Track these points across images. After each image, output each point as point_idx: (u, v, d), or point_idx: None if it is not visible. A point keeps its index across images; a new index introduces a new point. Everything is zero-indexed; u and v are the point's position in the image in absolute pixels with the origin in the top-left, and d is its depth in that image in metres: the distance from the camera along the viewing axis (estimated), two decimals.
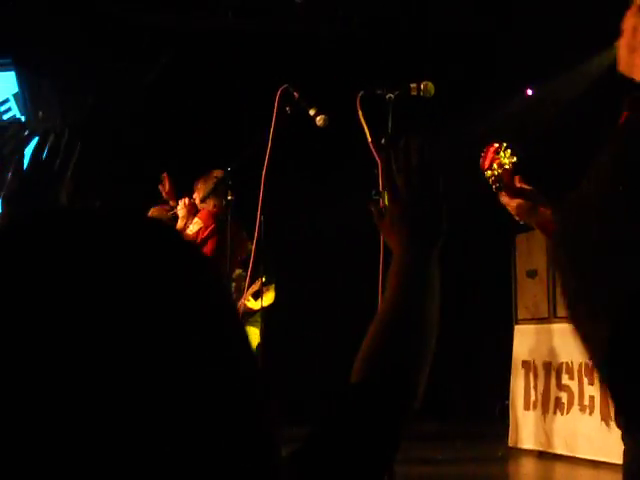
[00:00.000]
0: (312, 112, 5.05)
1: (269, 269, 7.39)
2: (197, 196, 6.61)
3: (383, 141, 4.10)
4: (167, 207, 6.88)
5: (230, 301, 0.88)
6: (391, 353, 1.33)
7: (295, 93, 5.13)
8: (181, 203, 6.66)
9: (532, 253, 8.90)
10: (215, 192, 6.16)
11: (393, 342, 1.34)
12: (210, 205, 6.53)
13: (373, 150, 4.13)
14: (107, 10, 8.95)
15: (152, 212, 6.76)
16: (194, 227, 6.49)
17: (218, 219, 6.41)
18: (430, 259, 1.44)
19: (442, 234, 1.47)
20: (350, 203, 5.68)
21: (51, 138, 1.89)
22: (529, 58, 7.98)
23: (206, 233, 6.45)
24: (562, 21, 7.52)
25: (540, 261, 8.71)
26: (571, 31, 7.31)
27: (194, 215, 6.58)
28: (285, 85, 5.16)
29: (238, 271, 7.61)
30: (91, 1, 8.97)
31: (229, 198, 5.67)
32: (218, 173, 6.17)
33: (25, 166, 1.88)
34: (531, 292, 8.96)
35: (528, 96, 9.26)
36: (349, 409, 1.25)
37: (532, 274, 8.91)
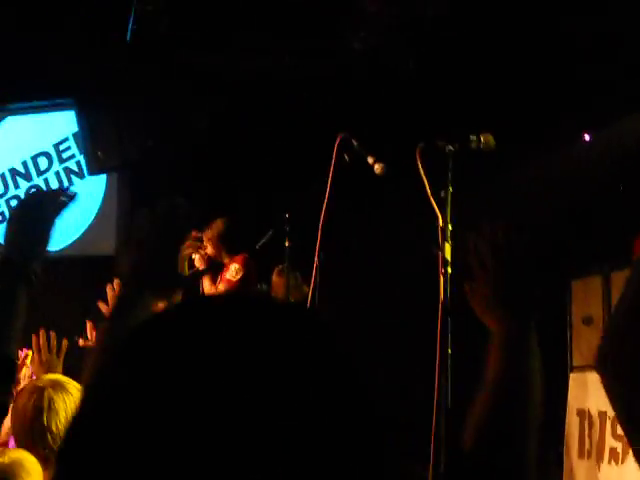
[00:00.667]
0: (370, 160, 5.08)
1: (324, 312, 7.42)
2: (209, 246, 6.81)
3: (443, 194, 4.11)
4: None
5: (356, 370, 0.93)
6: (505, 424, 1.38)
7: (354, 141, 5.17)
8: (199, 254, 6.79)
9: (588, 299, 8.81)
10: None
11: (506, 413, 1.39)
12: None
13: (432, 202, 4.14)
14: (170, 53, 9.06)
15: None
16: (235, 273, 6.65)
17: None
18: (528, 331, 1.50)
19: (536, 307, 1.52)
20: (407, 252, 5.69)
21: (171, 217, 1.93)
22: (589, 103, 7.95)
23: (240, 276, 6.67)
24: (623, 65, 7.49)
25: (596, 308, 8.62)
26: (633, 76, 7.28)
27: (208, 263, 6.76)
28: (344, 133, 5.19)
29: None
30: (151, 44, 9.09)
31: (287, 244, 5.71)
32: (220, 222, 6.37)
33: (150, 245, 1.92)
34: (587, 339, 8.85)
35: (586, 142, 9.19)
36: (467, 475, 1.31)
37: (588, 321, 8.82)
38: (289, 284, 5.86)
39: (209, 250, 7.08)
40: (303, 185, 5.40)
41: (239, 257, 7.03)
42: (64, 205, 2.14)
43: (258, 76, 8.95)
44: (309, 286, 5.62)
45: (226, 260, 7.17)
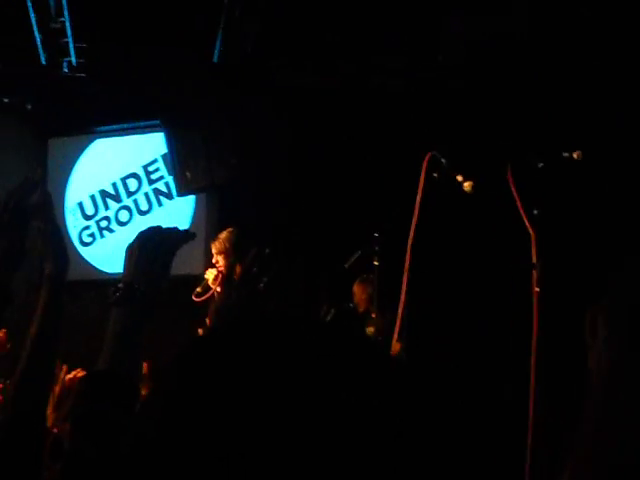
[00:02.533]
0: (460, 178, 5.03)
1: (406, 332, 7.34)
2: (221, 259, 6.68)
3: (536, 212, 4.04)
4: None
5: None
6: None
7: (443, 159, 5.12)
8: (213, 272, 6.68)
9: None
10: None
11: None
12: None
13: (525, 220, 4.08)
14: (257, 72, 9.13)
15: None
16: None
17: None
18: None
19: None
20: (499, 270, 5.61)
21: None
22: None
23: None
24: None
25: None
26: None
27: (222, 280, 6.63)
28: (433, 151, 5.15)
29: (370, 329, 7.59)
30: (238, 64, 9.16)
31: (375, 263, 5.68)
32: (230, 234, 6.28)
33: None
34: None
35: None
36: None
37: None
38: (373, 293, 5.80)
39: (222, 265, 6.83)
40: (392, 204, 5.36)
41: None
42: (183, 240, 2.21)
43: (346, 94, 8.96)
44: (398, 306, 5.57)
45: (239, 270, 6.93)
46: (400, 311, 5.41)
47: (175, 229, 2.38)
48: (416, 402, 0.88)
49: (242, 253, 6.34)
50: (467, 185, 4.94)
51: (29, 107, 10.45)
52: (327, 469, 0.79)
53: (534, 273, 3.87)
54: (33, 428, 2.03)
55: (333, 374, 0.84)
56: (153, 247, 2.13)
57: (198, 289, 6.73)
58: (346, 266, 6.36)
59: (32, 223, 2.24)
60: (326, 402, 0.81)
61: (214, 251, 6.72)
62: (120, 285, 1.97)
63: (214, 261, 6.75)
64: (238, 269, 6.60)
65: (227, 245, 6.70)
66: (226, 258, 6.72)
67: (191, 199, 10.30)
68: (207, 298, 6.65)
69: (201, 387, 0.83)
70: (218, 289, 6.59)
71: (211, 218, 10.19)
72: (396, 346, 7.08)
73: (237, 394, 0.81)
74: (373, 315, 6.25)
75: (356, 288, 7.21)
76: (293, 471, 0.78)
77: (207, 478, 0.79)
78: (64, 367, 4.15)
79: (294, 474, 0.79)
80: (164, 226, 2.34)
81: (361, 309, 7.27)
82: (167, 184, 10.47)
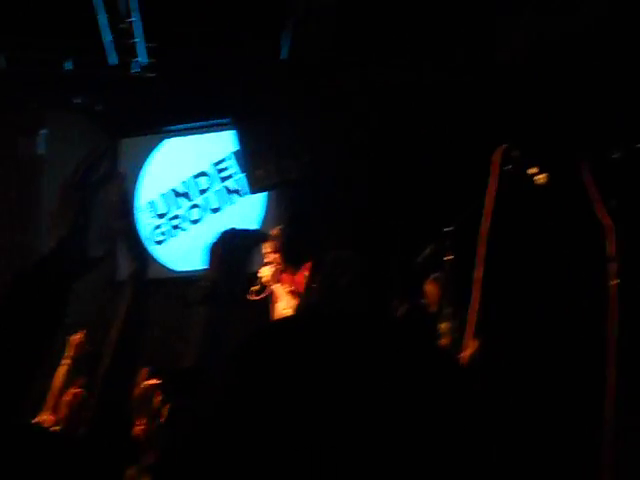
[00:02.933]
0: (533, 171, 4.95)
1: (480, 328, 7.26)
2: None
3: (612, 203, 3.95)
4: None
5: None
6: None
7: (516, 152, 5.04)
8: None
9: None
10: None
11: None
12: None
13: (599, 214, 3.99)
14: (326, 69, 9.11)
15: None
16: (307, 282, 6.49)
17: None
18: None
19: None
20: (574, 264, 5.51)
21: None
22: None
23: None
24: None
25: None
26: None
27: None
28: (506, 144, 5.08)
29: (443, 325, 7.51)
30: (307, 61, 9.16)
31: (447, 258, 5.62)
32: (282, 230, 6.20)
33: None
34: None
35: None
36: None
37: None
38: (445, 290, 5.74)
39: (278, 263, 6.69)
40: (464, 198, 5.29)
41: (306, 265, 6.66)
42: (260, 240, 2.22)
43: (417, 89, 8.89)
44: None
45: (289, 270, 6.78)
46: (474, 307, 5.34)
47: (250, 230, 2.37)
48: (478, 409, 0.87)
49: (296, 250, 6.29)
50: (541, 177, 4.87)
51: (100, 108, 10.56)
52: (391, 462, 0.78)
53: (611, 266, 3.79)
54: (116, 428, 2.02)
55: (399, 372, 0.83)
56: (235, 246, 2.13)
57: (255, 287, 6.70)
58: (418, 261, 6.28)
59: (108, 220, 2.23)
60: (391, 399, 0.81)
61: (269, 249, 6.65)
62: (205, 284, 1.97)
63: (269, 259, 6.68)
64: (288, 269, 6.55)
65: (279, 243, 6.64)
66: (282, 255, 6.66)
67: (262, 196, 10.32)
68: (264, 296, 6.63)
69: (264, 375, 0.83)
70: (275, 287, 6.57)
71: (282, 215, 10.20)
72: (472, 343, 7.00)
73: (301, 382, 0.82)
74: (445, 312, 6.18)
75: (428, 287, 7.15)
76: (355, 459, 0.78)
77: (273, 459, 0.78)
78: (143, 370, 4.15)
79: (357, 463, 0.78)
80: (236, 225, 2.33)
81: (433, 309, 7.21)
82: (238, 182, 10.52)
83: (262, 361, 0.85)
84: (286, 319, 0.87)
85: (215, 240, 2.06)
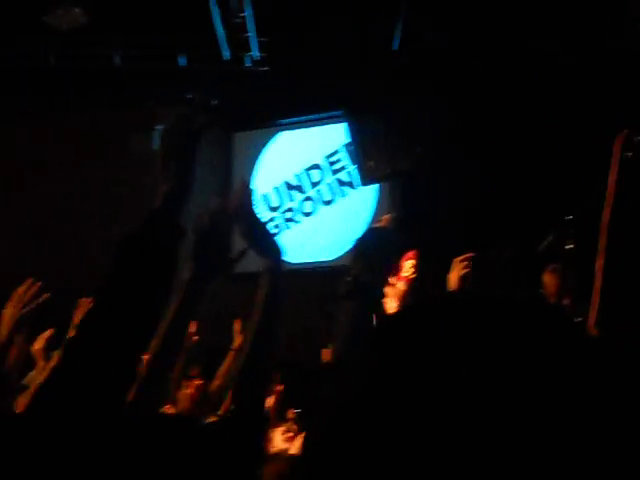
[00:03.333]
0: None
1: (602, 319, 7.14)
2: None
3: None
4: None
5: None
6: None
7: (637, 138, 4.90)
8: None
9: None
10: None
11: None
12: None
13: None
14: (437, 60, 9.04)
15: None
16: (412, 270, 6.28)
17: None
18: None
19: None
20: None
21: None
22: None
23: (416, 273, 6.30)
24: None
25: None
26: None
27: None
28: (627, 129, 4.94)
29: None
30: (418, 52, 9.10)
31: (568, 247, 5.50)
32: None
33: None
34: None
35: None
36: None
37: None
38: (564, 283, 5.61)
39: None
40: (585, 185, 5.18)
41: (411, 253, 6.48)
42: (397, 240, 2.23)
43: (530, 76, 8.76)
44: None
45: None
46: (595, 297, 5.21)
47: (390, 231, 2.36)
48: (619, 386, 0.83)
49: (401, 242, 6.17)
50: None
51: (214, 102, 10.67)
52: (520, 452, 0.76)
53: None
54: (254, 426, 2.01)
55: (535, 353, 0.80)
56: (377, 245, 2.13)
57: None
58: (539, 250, 6.17)
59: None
60: (526, 382, 0.78)
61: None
62: (349, 279, 1.96)
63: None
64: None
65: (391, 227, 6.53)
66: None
67: (374, 188, 10.30)
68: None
69: (409, 359, 0.81)
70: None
71: (395, 206, 10.17)
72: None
73: (438, 367, 0.80)
74: (565, 303, 6.06)
75: (547, 278, 7.03)
76: (485, 448, 0.76)
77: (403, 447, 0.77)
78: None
79: (487, 451, 0.76)
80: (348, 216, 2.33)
81: (552, 300, 7.09)
82: (350, 174, 10.52)
83: (406, 345, 0.82)
84: (428, 302, 0.84)
85: (359, 239, 2.04)
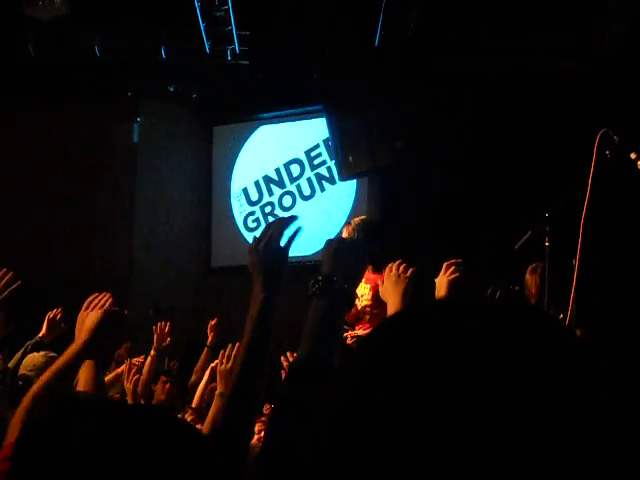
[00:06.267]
0: (633, 156, 4.85)
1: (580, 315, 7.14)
2: None
3: None
4: None
5: None
6: None
7: (615, 136, 4.94)
8: None
9: None
10: None
11: None
12: None
13: None
14: (417, 55, 9.06)
15: None
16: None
17: None
18: None
19: None
20: None
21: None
22: None
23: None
24: None
25: None
26: None
27: None
28: (605, 128, 4.98)
29: None
30: (399, 48, 9.11)
31: (546, 244, 5.53)
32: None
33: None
34: None
35: None
36: None
37: None
38: (543, 283, 5.62)
39: None
40: (563, 183, 5.21)
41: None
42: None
43: (513, 74, 8.79)
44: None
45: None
46: (572, 295, 5.25)
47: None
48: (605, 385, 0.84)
49: (374, 242, 6.09)
50: None
51: (194, 96, 10.66)
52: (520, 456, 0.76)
53: None
54: (241, 442, 2.03)
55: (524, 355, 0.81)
56: (350, 245, 2.15)
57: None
58: (516, 247, 6.18)
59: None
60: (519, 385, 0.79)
61: (345, 235, 6.51)
62: (319, 277, 1.98)
63: None
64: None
65: (358, 231, 6.50)
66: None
67: (353, 183, 10.32)
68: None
69: (398, 364, 0.81)
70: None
71: (373, 202, 10.19)
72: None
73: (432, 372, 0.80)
74: (543, 300, 6.08)
75: (527, 277, 7.07)
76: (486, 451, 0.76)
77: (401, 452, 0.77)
78: None
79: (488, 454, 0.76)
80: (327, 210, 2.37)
81: (533, 300, 7.13)
82: (329, 169, 10.54)
83: (395, 351, 0.83)
84: (414, 308, 0.85)
85: (333, 239, 2.06)
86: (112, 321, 2.72)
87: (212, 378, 5.57)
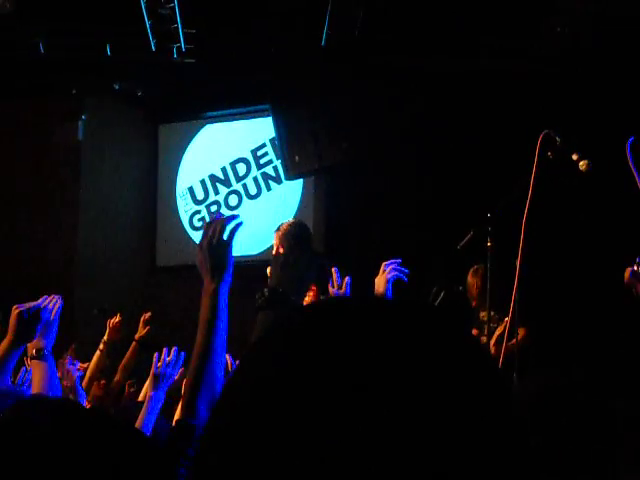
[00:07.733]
0: (575, 157, 4.91)
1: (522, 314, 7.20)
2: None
3: None
4: None
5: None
6: None
7: (557, 137, 5.00)
8: None
9: None
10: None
11: None
12: None
13: None
14: (364, 55, 9.08)
15: None
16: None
17: None
18: None
19: None
20: (613, 251, 5.45)
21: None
22: None
23: None
24: None
25: None
26: None
27: None
28: (547, 130, 5.04)
29: (483, 313, 7.46)
30: (346, 47, 9.13)
31: (488, 244, 5.58)
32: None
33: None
34: None
35: None
36: None
37: None
38: (485, 284, 5.68)
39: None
40: (505, 184, 5.26)
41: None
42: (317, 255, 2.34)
43: (456, 75, 8.85)
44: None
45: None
46: (514, 294, 5.30)
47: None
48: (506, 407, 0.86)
49: (302, 246, 6.08)
50: (582, 164, 4.83)
51: (140, 93, 10.60)
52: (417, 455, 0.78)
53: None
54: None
55: (427, 363, 0.82)
56: (296, 258, 2.20)
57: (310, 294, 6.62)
58: (459, 247, 6.23)
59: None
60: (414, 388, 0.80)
61: (276, 241, 6.48)
62: (265, 290, 2.02)
63: (275, 252, 6.51)
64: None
65: (289, 238, 6.45)
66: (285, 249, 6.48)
67: (299, 183, 10.33)
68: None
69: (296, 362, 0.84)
70: None
71: (319, 201, 10.21)
72: (520, 331, 6.96)
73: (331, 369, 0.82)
74: (485, 300, 6.12)
75: (469, 279, 7.12)
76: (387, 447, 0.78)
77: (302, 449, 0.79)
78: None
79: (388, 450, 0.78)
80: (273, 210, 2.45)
81: (473, 303, 7.19)
82: (275, 168, 10.53)
83: (293, 345, 0.86)
84: (314, 306, 0.87)
85: (280, 251, 2.10)
86: (28, 318, 3.14)
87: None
